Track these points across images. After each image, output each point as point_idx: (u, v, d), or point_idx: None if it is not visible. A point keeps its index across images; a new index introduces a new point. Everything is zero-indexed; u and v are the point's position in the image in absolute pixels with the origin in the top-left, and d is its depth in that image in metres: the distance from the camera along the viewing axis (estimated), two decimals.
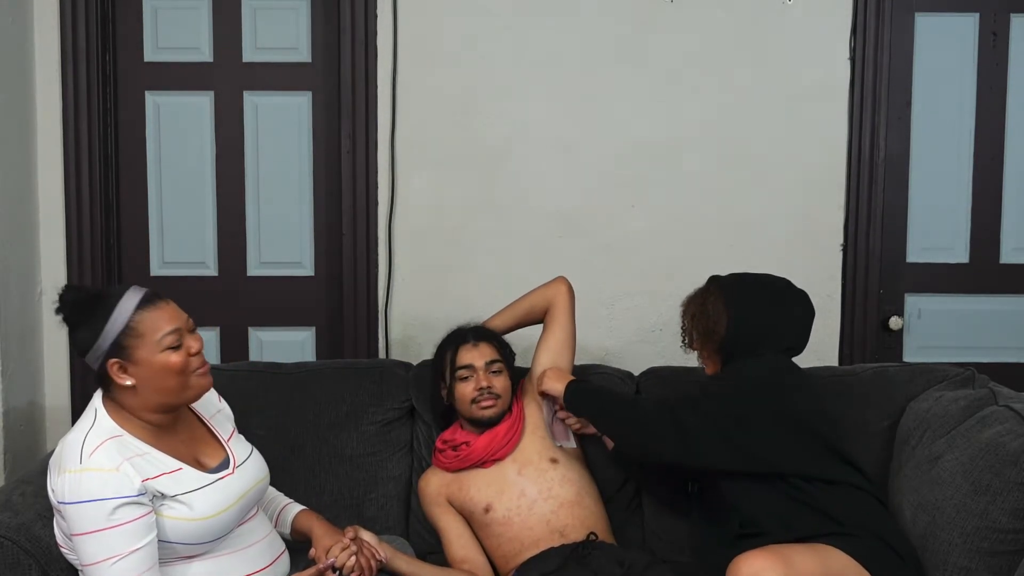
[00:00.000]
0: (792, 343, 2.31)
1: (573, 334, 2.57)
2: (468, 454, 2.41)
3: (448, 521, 2.42)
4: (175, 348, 1.87)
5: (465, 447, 2.42)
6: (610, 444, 2.48)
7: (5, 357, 2.73)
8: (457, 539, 2.40)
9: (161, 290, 2.95)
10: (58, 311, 1.89)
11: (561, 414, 2.47)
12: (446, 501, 2.44)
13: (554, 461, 2.42)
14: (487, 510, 2.37)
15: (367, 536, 2.10)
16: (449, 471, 2.45)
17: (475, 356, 2.43)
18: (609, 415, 2.34)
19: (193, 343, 1.91)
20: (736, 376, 2.24)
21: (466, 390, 2.41)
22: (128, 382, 1.85)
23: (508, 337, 2.57)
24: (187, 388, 1.92)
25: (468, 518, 2.42)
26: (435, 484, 2.47)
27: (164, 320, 1.88)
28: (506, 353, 2.49)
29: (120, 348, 1.84)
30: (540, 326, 2.60)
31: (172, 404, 1.92)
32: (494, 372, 2.43)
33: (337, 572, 1.99)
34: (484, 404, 2.40)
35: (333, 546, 2.03)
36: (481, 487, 2.40)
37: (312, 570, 1.98)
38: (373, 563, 2.05)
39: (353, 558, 2.01)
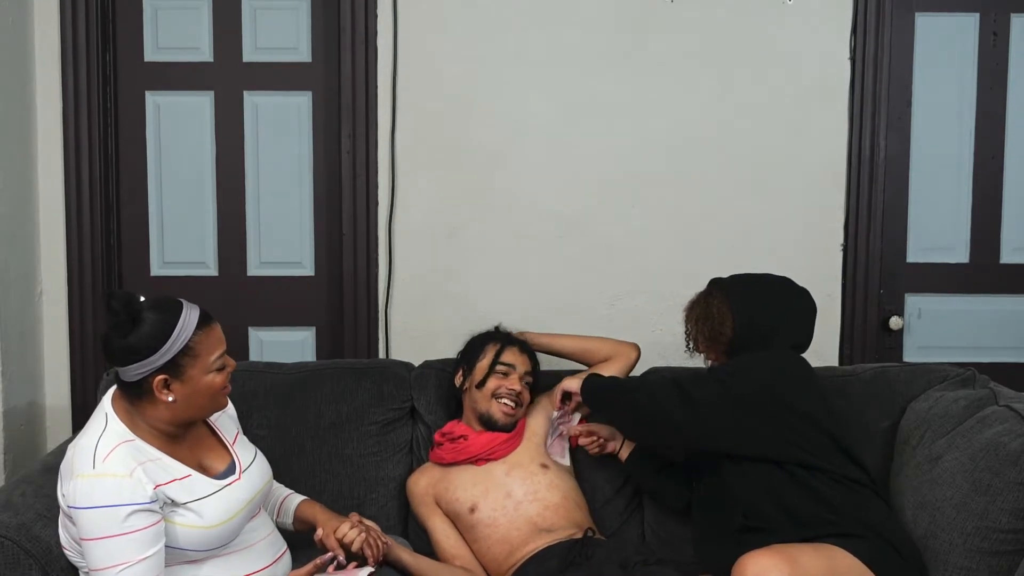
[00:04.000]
0: (798, 340, 2.33)
1: None
2: (466, 447, 2.43)
3: (436, 521, 2.44)
4: (219, 370, 1.89)
5: (463, 440, 2.44)
6: (624, 455, 2.48)
7: (5, 357, 2.73)
8: (446, 538, 2.42)
9: (161, 290, 2.97)
10: (113, 317, 1.81)
11: (583, 440, 2.46)
12: (433, 501, 2.46)
13: (545, 467, 2.44)
14: (472, 510, 2.38)
15: (370, 523, 2.13)
16: (443, 464, 2.46)
17: (519, 360, 2.49)
18: (621, 392, 2.34)
19: (230, 363, 1.93)
20: (743, 362, 2.25)
21: (497, 384, 2.45)
22: (169, 398, 1.84)
23: None
24: (214, 407, 1.94)
25: (455, 520, 2.43)
26: (423, 484, 2.48)
27: (217, 342, 1.89)
28: (537, 374, 2.54)
29: (174, 366, 1.83)
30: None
31: (194, 419, 1.93)
32: (526, 383, 2.49)
33: (335, 563, 2.00)
34: (505, 409, 2.43)
35: (341, 526, 2.04)
36: (467, 487, 2.40)
37: (311, 565, 1.97)
38: (380, 544, 2.06)
39: (363, 535, 2.03)
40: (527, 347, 2.55)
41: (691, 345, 2.39)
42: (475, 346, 2.54)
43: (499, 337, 2.55)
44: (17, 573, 1.88)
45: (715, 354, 2.36)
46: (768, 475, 2.15)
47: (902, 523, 2.19)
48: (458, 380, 2.53)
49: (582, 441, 2.47)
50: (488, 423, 2.44)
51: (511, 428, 2.46)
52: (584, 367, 2.61)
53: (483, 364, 2.48)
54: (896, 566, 2.03)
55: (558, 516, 2.36)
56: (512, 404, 2.45)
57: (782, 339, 2.28)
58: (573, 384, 2.44)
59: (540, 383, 2.56)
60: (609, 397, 2.37)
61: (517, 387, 2.45)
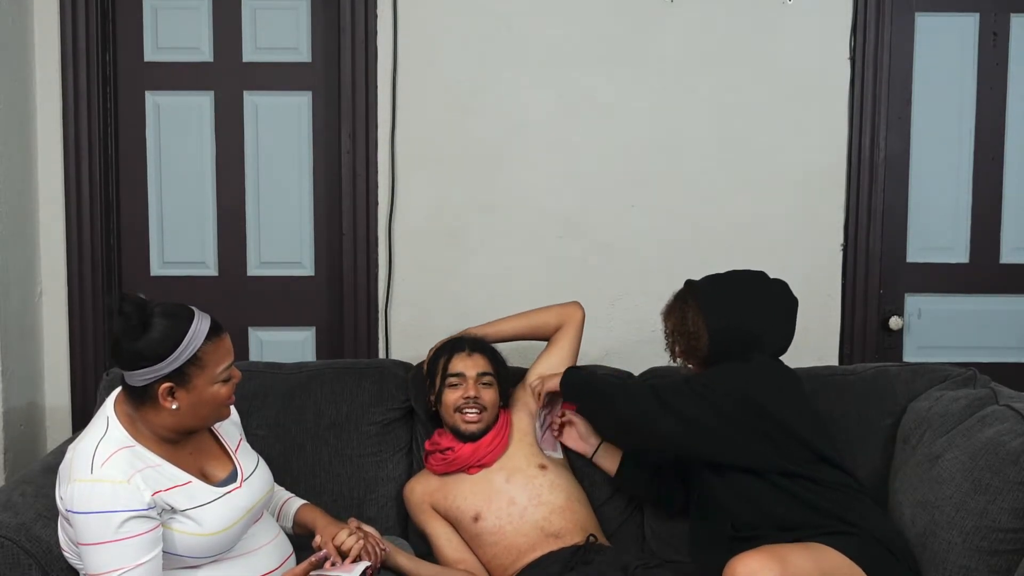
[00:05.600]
0: (778, 344, 2.31)
1: (576, 358, 2.58)
2: (454, 458, 2.41)
3: (436, 527, 2.42)
4: (225, 381, 1.88)
5: (451, 452, 2.42)
6: (612, 470, 2.48)
7: (5, 357, 2.73)
8: (448, 543, 2.40)
9: (161, 290, 2.97)
10: (125, 321, 1.79)
11: (555, 425, 2.49)
12: (431, 508, 2.44)
13: (543, 467, 2.42)
14: (476, 519, 2.37)
15: (369, 529, 2.12)
16: (437, 474, 2.45)
17: (468, 365, 2.44)
18: (600, 396, 2.32)
19: (236, 374, 1.92)
20: (716, 373, 2.23)
21: (453, 397, 2.42)
22: (173, 406, 1.83)
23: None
24: (217, 417, 1.94)
25: (456, 526, 2.42)
26: (419, 492, 2.47)
27: (226, 353, 1.88)
28: (499, 367, 2.49)
29: (180, 375, 1.82)
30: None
31: (196, 428, 1.92)
32: (484, 384, 2.44)
33: (331, 560, 1.99)
34: (468, 417, 2.40)
35: (339, 532, 2.03)
36: (467, 496, 2.39)
37: (306, 563, 1.97)
38: (378, 550, 2.06)
39: (361, 542, 2.02)
40: (479, 345, 2.49)
41: (669, 351, 2.38)
42: (431, 363, 2.50)
43: (445, 347, 2.50)
44: (17, 573, 1.89)
45: (693, 363, 2.34)
46: (750, 486, 2.14)
47: (893, 521, 2.20)
48: (431, 399, 2.49)
49: (552, 421, 2.49)
50: (460, 436, 2.42)
51: (484, 432, 2.42)
52: (542, 342, 2.61)
53: (437, 381, 2.45)
54: (887, 563, 2.03)
55: (564, 519, 2.35)
56: (475, 411, 2.40)
57: (760, 346, 2.26)
58: (552, 383, 2.43)
59: (509, 375, 2.53)
60: (589, 400, 2.36)
61: (473, 393, 2.40)
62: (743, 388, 2.17)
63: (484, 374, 2.44)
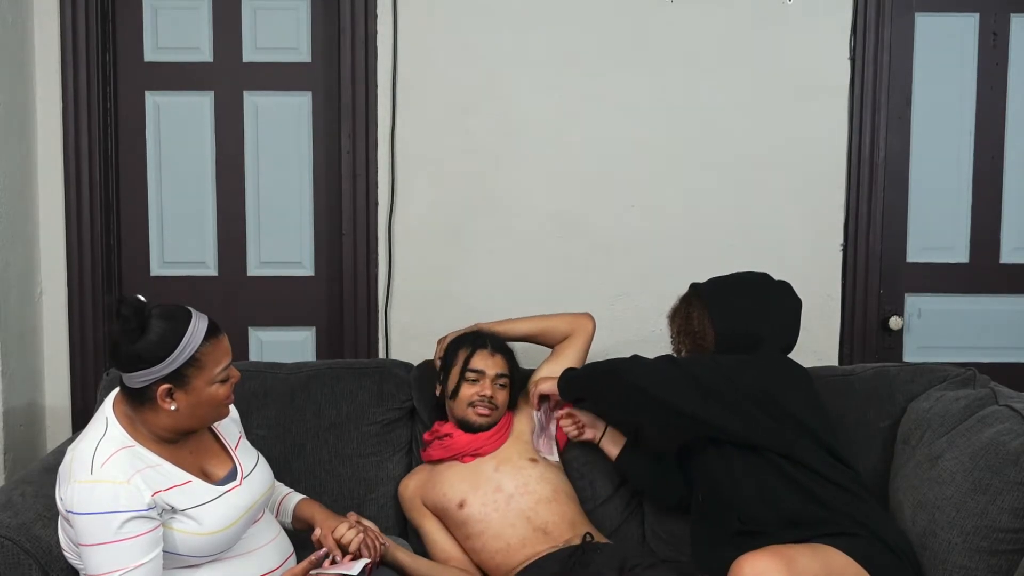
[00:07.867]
0: (784, 343, 2.32)
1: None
2: (451, 444, 2.43)
3: (429, 524, 2.44)
4: (224, 381, 1.88)
5: (448, 438, 2.44)
6: (613, 454, 2.48)
7: (5, 357, 2.73)
8: (440, 539, 2.41)
9: (161, 290, 2.97)
10: (123, 324, 1.79)
11: (564, 421, 2.48)
12: (421, 504, 2.46)
13: (533, 461, 2.44)
14: (461, 506, 2.37)
15: (368, 523, 2.13)
16: (432, 462, 2.47)
17: (489, 364, 2.46)
18: (604, 372, 2.30)
19: (235, 374, 1.92)
20: (728, 359, 2.23)
21: (469, 392, 2.43)
22: (172, 407, 1.83)
23: None
24: (216, 417, 1.94)
25: (443, 518, 2.42)
26: (411, 487, 2.49)
27: (223, 353, 1.88)
28: (515, 371, 2.51)
29: (179, 376, 1.82)
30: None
31: (195, 428, 1.93)
32: (500, 385, 2.46)
33: (331, 559, 1.99)
34: (480, 411, 2.42)
35: (339, 526, 2.04)
36: (455, 483, 2.40)
37: (305, 562, 1.97)
38: (378, 544, 2.06)
39: (360, 535, 2.02)
40: (500, 346, 2.51)
41: (676, 355, 2.38)
42: (449, 352, 2.51)
43: (468, 341, 2.50)
44: (17, 573, 1.89)
45: None
46: (758, 477, 2.14)
47: (895, 521, 2.20)
48: (438, 390, 2.52)
49: (562, 423, 2.48)
50: (467, 427, 2.44)
51: (490, 427, 2.45)
52: (547, 348, 2.60)
53: (454, 373, 2.46)
54: (890, 564, 2.03)
55: (551, 511, 2.35)
56: (487, 408, 2.43)
57: (766, 346, 2.27)
58: (547, 386, 2.43)
59: (521, 378, 2.54)
60: (593, 381, 2.34)
61: (488, 392, 2.43)
62: (755, 377, 2.17)
63: (502, 375, 2.47)
